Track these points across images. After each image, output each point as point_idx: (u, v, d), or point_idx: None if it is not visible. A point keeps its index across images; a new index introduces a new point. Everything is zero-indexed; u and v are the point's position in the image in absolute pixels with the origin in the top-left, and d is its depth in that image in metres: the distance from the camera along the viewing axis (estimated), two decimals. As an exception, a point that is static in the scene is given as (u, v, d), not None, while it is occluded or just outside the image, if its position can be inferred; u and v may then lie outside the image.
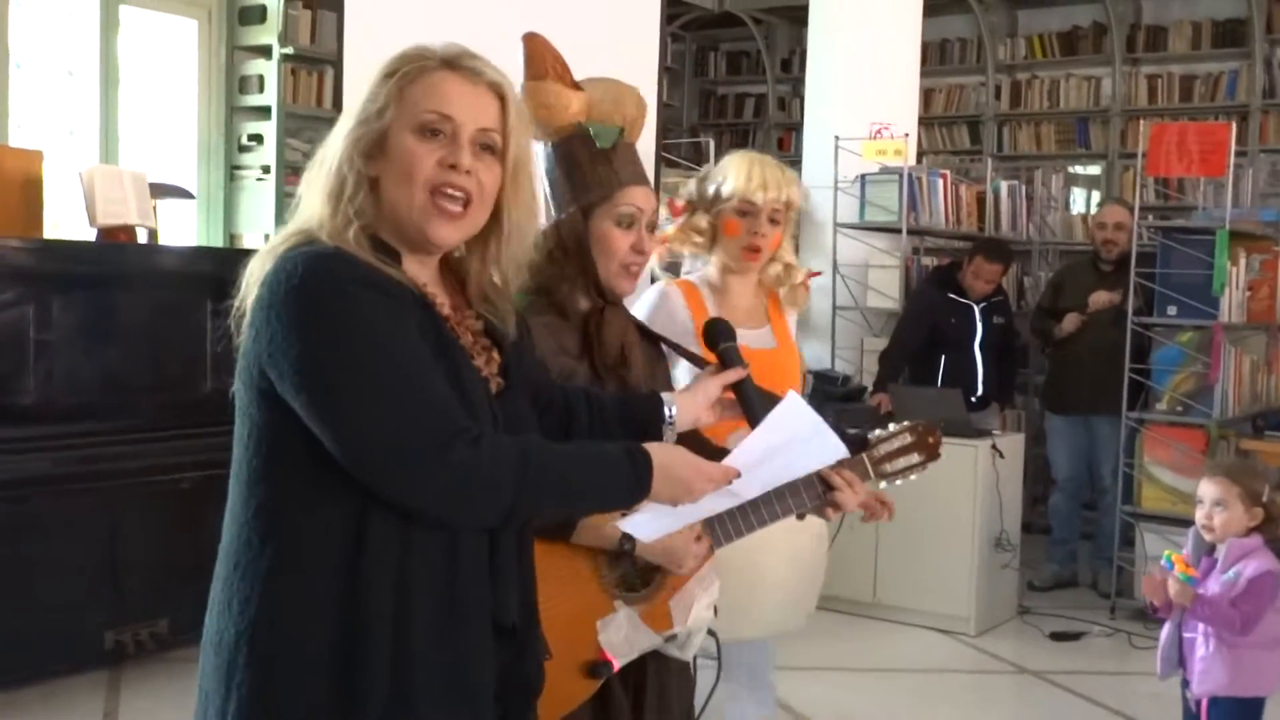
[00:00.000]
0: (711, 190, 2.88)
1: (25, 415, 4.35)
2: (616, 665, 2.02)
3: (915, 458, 2.10)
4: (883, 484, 2.12)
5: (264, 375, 1.49)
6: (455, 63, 1.58)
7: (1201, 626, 3.24)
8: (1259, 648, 3.24)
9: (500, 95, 1.60)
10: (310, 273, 1.47)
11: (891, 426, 2.15)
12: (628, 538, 1.95)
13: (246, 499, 1.53)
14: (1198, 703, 3.29)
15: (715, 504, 1.75)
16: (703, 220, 2.89)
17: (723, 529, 2.10)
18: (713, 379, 1.94)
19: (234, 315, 1.58)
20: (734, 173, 2.84)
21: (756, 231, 2.83)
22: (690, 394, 1.93)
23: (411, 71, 1.56)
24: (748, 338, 2.52)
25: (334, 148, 1.56)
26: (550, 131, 2.13)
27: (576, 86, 2.14)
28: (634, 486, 1.60)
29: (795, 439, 1.77)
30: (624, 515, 1.77)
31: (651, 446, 1.63)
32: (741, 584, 2.64)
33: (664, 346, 2.29)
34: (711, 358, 2.05)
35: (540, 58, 2.10)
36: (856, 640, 5.27)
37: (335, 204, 1.54)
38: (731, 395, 1.95)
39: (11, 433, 4.24)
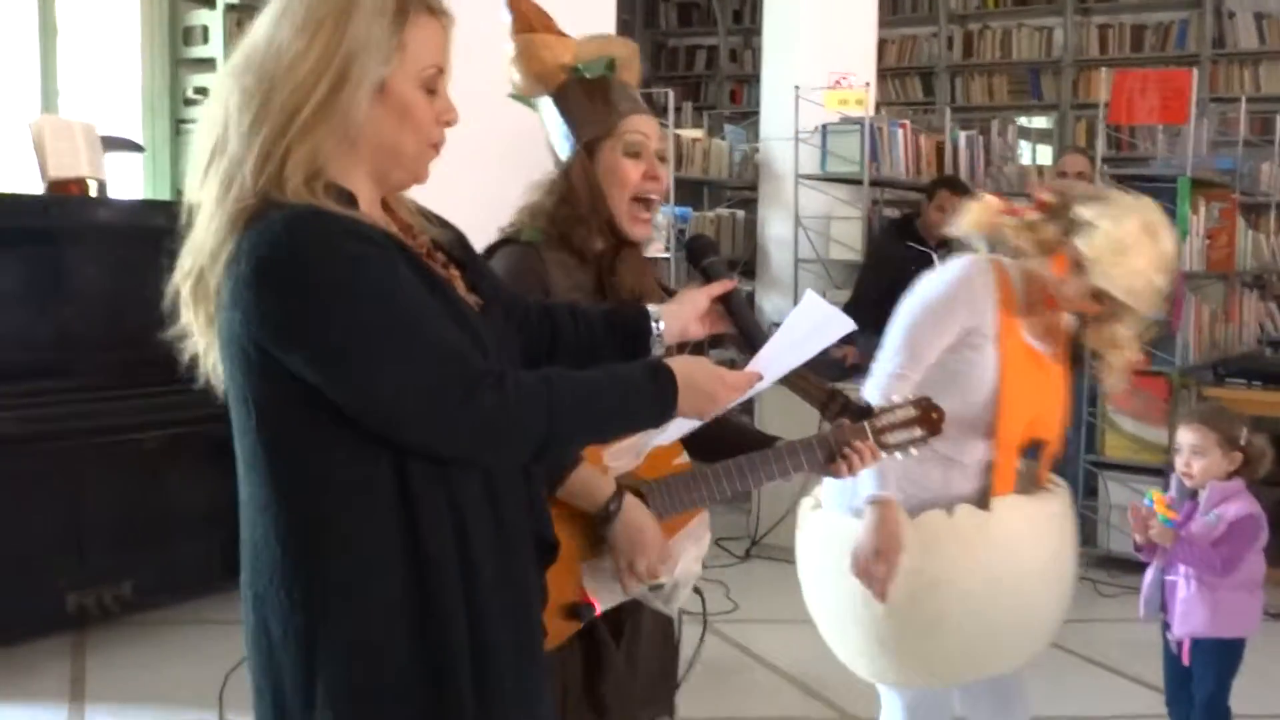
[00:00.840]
0: (1083, 227, 2.52)
1: (-22, 375, 4.28)
2: (599, 609, 2.02)
3: (917, 432, 2.10)
4: (882, 453, 2.12)
5: (262, 353, 1.44)
6: (434, 6, 1.55)
7: (1183, 569, 3.30)
8: (1239, 589, 3.30)
9: (447, 30, 1.58)
10: (296, 239, 1.42)
11: (896, 398, 2.17)
12: (614, 500, 1.97)
13: (271, 483, 1.48)
14: (1179, 644, 3.36)
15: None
16: (1050, 234, 2.57)
17: (720, 486, 2.09)
18: (700, 291, 1.93)
19: (183, 287, 1.52)
20: (1118, 257, 2.48)
21: (1088, 313, 2.63)
22: (678, 306, 1.90)
23: (413, 12, 1.51)
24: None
25: (324, 92, 1.46)
26: (547, 83, 2.14)
27: (562, 34, 2.15)
28: (661, 405, 1.60)
29: (811, 329, 1.84)
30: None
31: (673, 361, 1.63)
32: (982, 624, 2.59)
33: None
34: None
35: (524, 13, 2.12)
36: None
37: (310, 146, 1.45)
38: (720, 306, 1.94)
39: (-35, 393, 4.16)
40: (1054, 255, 2.55)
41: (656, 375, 1.60)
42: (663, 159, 2.18)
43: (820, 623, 2.88)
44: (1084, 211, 2.53)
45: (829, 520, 2.76)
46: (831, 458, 2.06)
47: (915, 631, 2.62)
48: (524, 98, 2.19)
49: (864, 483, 2.45)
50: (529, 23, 2.12)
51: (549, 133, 2.19)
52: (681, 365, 1.62)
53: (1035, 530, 2.70)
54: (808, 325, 1.84)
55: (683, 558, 2.10)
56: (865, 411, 2.13)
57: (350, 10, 1.46)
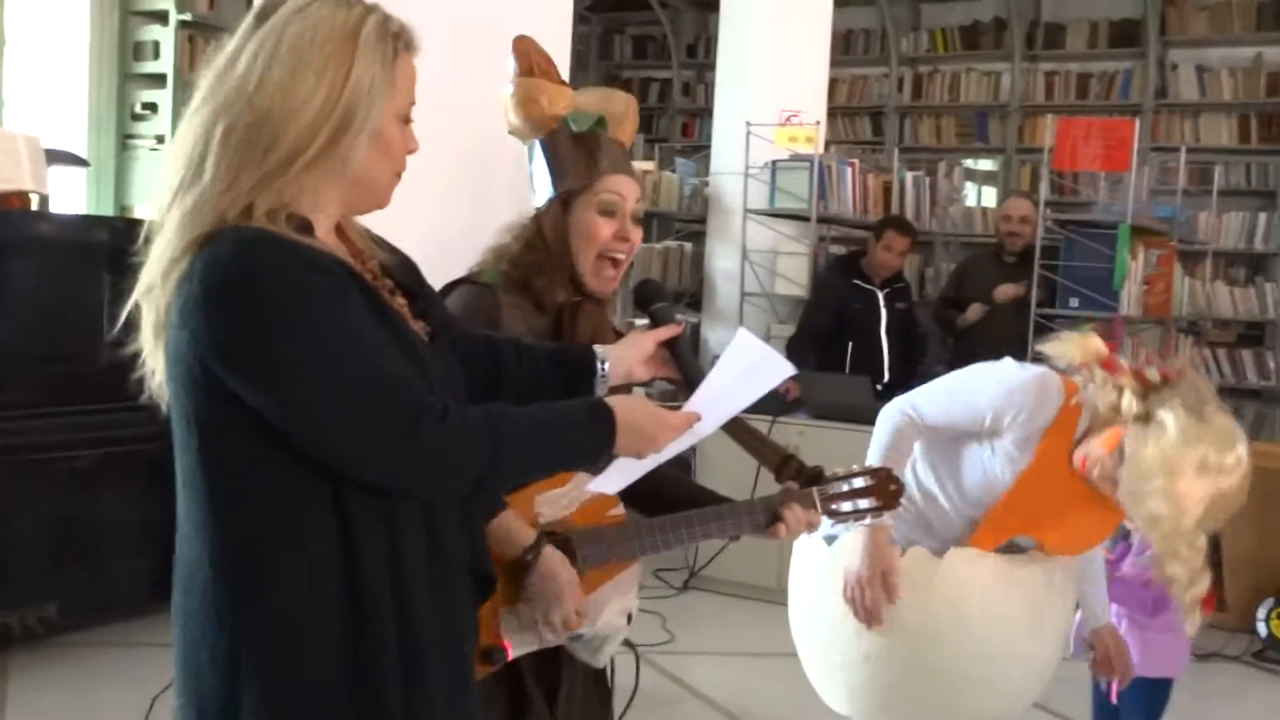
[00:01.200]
0: (1153, 425, 2.30)
1: (-91, 388, 4.21)
2: (510, 654, 1.99)
3: (870, 502, 2.07)
4: (829, 521, 2.10)
5: (207, 373, 1.43)
6: (413, 44, 1.56)
7: (1115, 608, 3.34)
8: (1167, 631, 3.35)
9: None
10: (249, 263, 1.41)
11: (854, 466, 2.13)
12: (532, 549, 1.95)
13: (208, 503, 1.47)
14: (1108, 683, 3.40)
15: (676, 444, 1.77)
16: (1124, 408, 2.36)
17: (653, 540, 2.07)
18: (647, 334, 1.92)
19: (142, 304, 1.51)
20: (1152, 475, 2.28)
21: (1123, 510, 2.42)
22: (624, 348, 1.90)
23: (398, 50, 1.52)
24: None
25: (325, 140, 1.46)
26: (540, 129, 2.16)
27: (562, 83, 2.18)
28: (599, 444, 1.61)
29: (747, 369, 1.81)
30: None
31: (613, 400, 1.63)
32: (925, 669, 2.54)
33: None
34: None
35: (527, 56, 2.14)
36: (761, 626, 5.32)
37: (263, 179, 1.45)
38: (665, 351, 1.93)
39: (-106, 406, 4.09)
40: (1113, 427, 2.38)
41: (597, 413, 1.60)
42: (637, 221, 2.17)
43: (801, 652, 2.81)
44: (1166, 415, 2.29)
45: (813, 548, 2.71)
46: (773, 521, 2.04)
47: (867, 670, 2.59)
48: (520, 137, 2.21)
49: None
50: (530, 66, 2.14)
51: (532, 173, 2.19)
52: (622, 405, 1.62)
53: (988, 585, 2.58)
54: (744, 365, 1.82)
55: (606, 609, 2.07)
56: (816, 477, 2.11)
57: (354, 56, 1.47)
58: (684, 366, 1.92)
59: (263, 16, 1.48)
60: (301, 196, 1.49)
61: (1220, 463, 2.28)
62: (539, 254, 2.12)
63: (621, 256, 2.15)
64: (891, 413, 2.60)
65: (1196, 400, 2.32)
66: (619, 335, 2.23)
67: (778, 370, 1.84)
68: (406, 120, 1.55)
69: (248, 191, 1.44)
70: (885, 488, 2.08)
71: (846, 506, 2.07)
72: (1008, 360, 2.59)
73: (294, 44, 1.46)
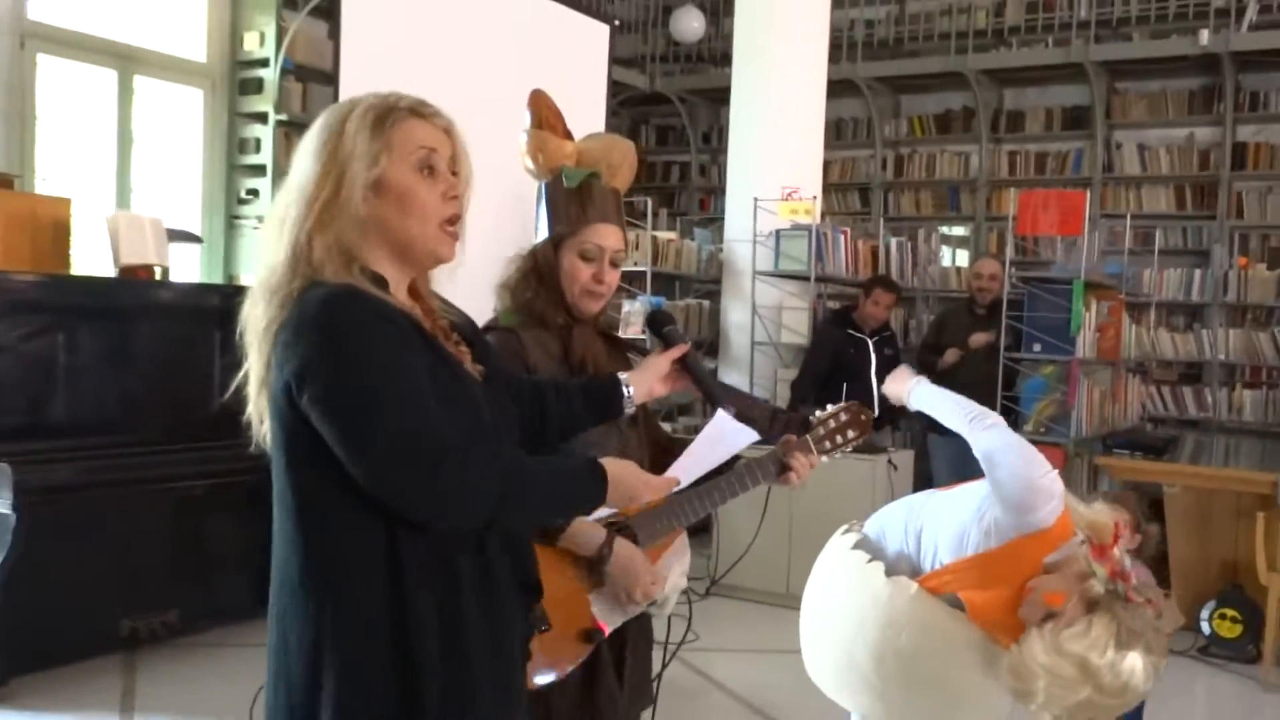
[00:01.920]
0: (1094, 621, 2.16)
1: (54, 430, 4.25)
2: (607, 631, 2.02)
3: (852, 433, 2.09)
4: (824, 457, 2.11)
5: (291, 405, 1.46)
6: (419, 110, 1.58)
7: None
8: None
9: (448, 130, 1.61)
10: (331, 309, 1.46)
11: (830, 407, 2.15)
12: (606, 545, 1.98)
13: (295, 518, 1.50)
14: None
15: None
16: (1088, 591, 2.20)
17: (691, 509, 2.11)
18: (661, 356, 1.96)
19: (242, 349, 1.56)
20: (1066, 668, 2.13)
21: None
22: (643, 372, 1.94)
23: (395, 119, 1.56)
24: None
25: (327, 197, 1.52)
26: (543, 173, 2.15)
27: (569, 136, 2.16)
28: (592, 497, 1.62)
29: (719, 439, 1.90)
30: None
31: (607, 462, 1.63)
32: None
33: (632, 355, 2.29)
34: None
35: (539, 110, 2.14)
36: (773, 625, 5.29)
37: (334, 243, 1.51)
38: (679, 368, 1.98)
39: (42, 445, 4.13)
40: (1067, 594, 2.19)
41: (594, 470, 1.61)
42: (615, 264, 2.15)
43: (810, 643, 2.65)
44: (1100, 625, 2.15)
45: (864, 566, 2.50)
46: (782, 470, 2.07)
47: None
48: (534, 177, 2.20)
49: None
50: (540, 118, 2.13)
51: (536, 210, 2.18)
52: (614, 467, 1.63)
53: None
54: (718, 435, 1.91)
55: (670, 574, 2.11)
56: (805, 424, 2.13)
57: (340, 133, 1.54)
58: (697, 376, 1.98)
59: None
60: (358, 254, 1.53)
61: (1100, 690, 2.14)
62: (534, 284, 2.13)
63: (598, 294, 2.14)
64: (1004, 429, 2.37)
65: (1129, 635, 2.15)
66: (610, 340, 2.25)
67: (745, 437, 1.93)
68: (427, 167, 1.55)
69: (294, 249, 1.50)
70: (859, 418, 2.09)
71: (837, 440, 2.08)
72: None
73: (309, 143, 1.56)
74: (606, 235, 2.13)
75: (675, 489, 1.79)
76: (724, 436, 1.91)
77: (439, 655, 1.49)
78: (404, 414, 1.43)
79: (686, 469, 1.86)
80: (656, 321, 2.07)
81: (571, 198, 2.12)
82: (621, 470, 1.64)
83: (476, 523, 1.50)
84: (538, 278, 2.13)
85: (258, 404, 1.55)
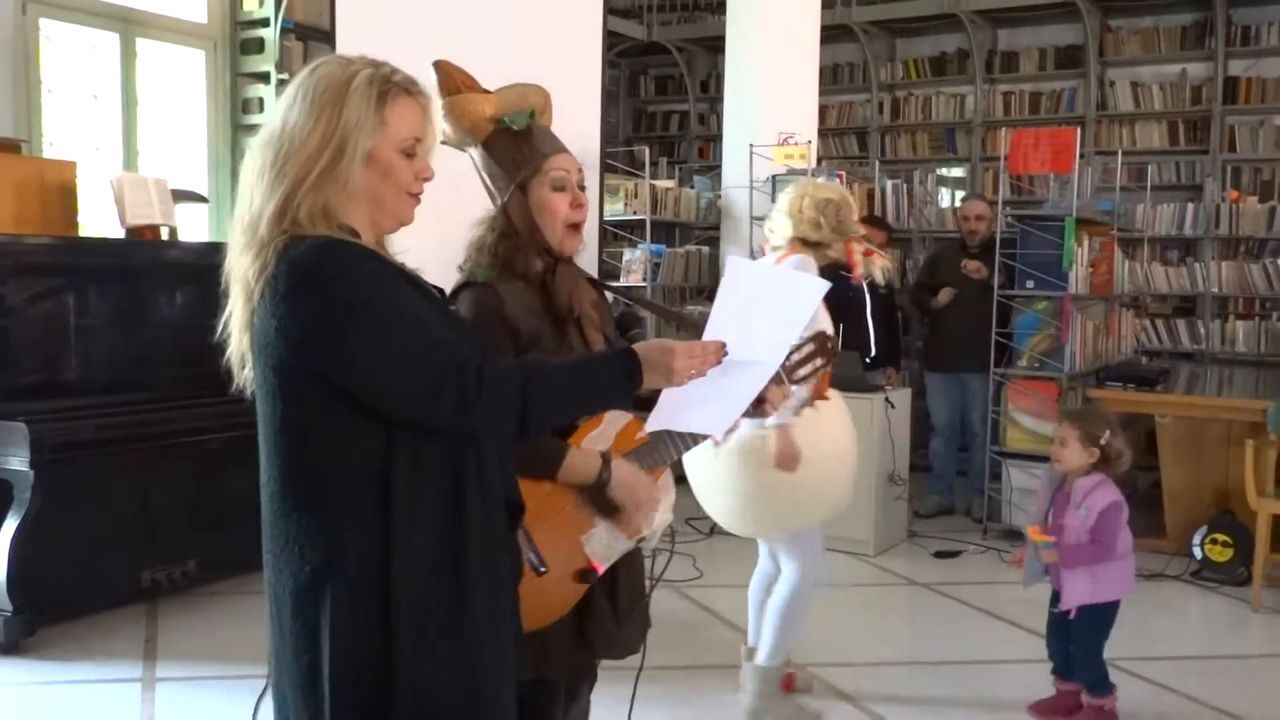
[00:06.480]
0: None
1: (70, 388, 4.27)
2: (601, 570, 2.02)
3: (818, 361, 2.06)
4: (794, 387, 2.08)
5: (294, 352, 1.47)
6: (413, 89, 1.60)
7: (1081, 571, 3.29)
8: (1116, 560, 3.31)
9: (426, 108, 1.63)
10: (323, 261, 1.47)
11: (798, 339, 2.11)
12: (605, 468, 1.97)
13: (291, 461, 1.51)
14: (1066, 612, 3.35)
15: (750, 379, 1.70)
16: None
17: (676, 445, 2.10)
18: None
19: (230, 304, 1.56)
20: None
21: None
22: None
23: (393, 95, 1.57)
24: None
25: (326, 163, 1.52)
26: (476, 135, 2.10)
27: (486, 92, 2.10)
28: (626, 378, 1.59)
29: (760, 297, 1.68)
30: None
31: (637, 345, 1.63)
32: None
33: (613, 296, 2.26)
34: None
35: (450, 77, 2.07)
36: (776, 562, 5.32)
37: (324, 205, 1.52)
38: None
39: (58, 404, 4.15)
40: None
41: (620, 353, 1.61)
42: (582, 187, 2.13)
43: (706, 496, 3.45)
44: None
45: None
46: (759, 403, 2.00)
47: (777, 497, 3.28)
48: (455, 146, 2.13)
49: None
50: (455, 84, 2.06)
51: (484, 177, 2.13)
52: (643, 345, 1.63)
53: (836, 421, 3.45)
54: (747, 288, 1.67)
55: (659, 506, 2.11)
56: None
57: (345, 99, 1.53)
58: (661, 310, 1.93)
59: (292, 80, 1.59)
60: (336, 212, 1.54)
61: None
62: (513, 239, 2.09)
63: (581, 219, 2.11)
64: None
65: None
66: (591, 282, 2.22)
67: (810, 289, 1.69)
68: (408, 153, 1.58)
69: (282, 207, 1.50)
70: (824, 346, 2.07)
71: (806, 370, 2.05)
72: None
73: (304, 96, 1.54)
74: (567, 162, 2.10)
75: (737, 356, 1.64)
76: (766, 290, 1.63)
77: (436, 590, 1.51)
78: (419, 339, 1.48)
79: (723, 332, 1.62)
80: (624, 324, 2.05)
81: (520, 141, 2.08)
82: (652, 344, 1.64)
83: (509, 424, 1.51)
84: (515, 230, 2.09)
85: (238, 348, 1.56)
